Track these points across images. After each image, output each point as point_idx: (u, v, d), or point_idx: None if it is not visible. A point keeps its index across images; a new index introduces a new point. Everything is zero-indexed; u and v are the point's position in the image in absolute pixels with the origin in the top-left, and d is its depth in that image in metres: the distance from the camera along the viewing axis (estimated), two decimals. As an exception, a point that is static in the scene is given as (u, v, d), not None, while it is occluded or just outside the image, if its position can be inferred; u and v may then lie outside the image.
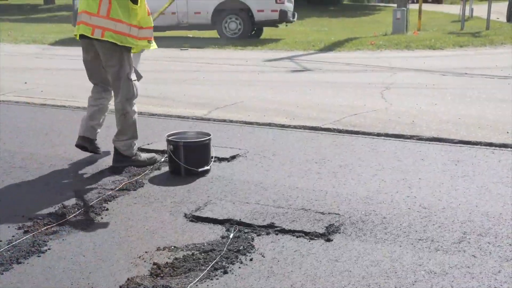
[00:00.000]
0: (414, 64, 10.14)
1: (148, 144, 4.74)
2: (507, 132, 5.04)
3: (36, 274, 2.60)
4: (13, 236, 2.99)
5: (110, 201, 3.51)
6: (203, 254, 2.76)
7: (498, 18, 23.29)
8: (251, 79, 8.59)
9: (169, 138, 4.11)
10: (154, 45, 4.27)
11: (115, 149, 4.24)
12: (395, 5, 22.80)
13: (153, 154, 4.35)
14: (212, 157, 4.17)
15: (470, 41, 13.99)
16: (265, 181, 3.84)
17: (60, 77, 8.74)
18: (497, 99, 6.64)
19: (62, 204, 3.43)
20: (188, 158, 3.98)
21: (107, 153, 4.52)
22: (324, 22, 23.40)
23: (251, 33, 15.37)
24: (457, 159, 4.32)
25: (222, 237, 2.97)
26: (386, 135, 5.02)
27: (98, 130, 4.42)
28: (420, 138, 4.90)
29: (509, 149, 4.57)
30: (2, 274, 2.60)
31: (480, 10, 26.15)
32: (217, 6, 14.68)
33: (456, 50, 12.75)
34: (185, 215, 3.27)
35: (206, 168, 4.02)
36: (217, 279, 2.54)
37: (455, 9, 29.15)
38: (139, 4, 4.05)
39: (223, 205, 3.41)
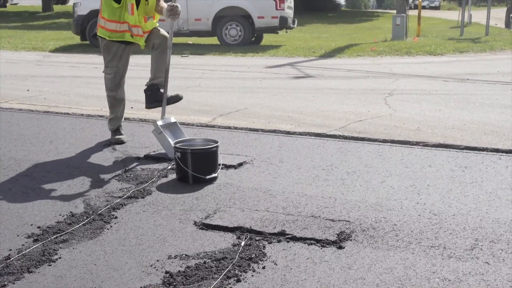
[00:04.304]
0: (416, 70, 10.16)
1: (154, 152, 4.72)
2: (513, 138, 5.04)
3: (47, 284, 2.58)
4: (22, 245, 2.97)
5: (119, 209, 3.49)
6: (215, 262, 2.75)
7: (496, 24, 23.42)
8: (253, 85, 8.59)
9: (177, 145, 4.10)
10: (135, 39, 4.74)
11: None
12: (393, 11, 22.87)
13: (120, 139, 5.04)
14: (219, 164, 4.16)
15: (470, 47, 14.05)
16: (274, 188, 3.83)
17: (62, 84, 8.72)
18: (500, 105, 6.65)
19: (71, 212, 3.42)
20: (195, 166, 3.96)
21: (112, 161, 4.51)
22: (324, 29, 23.49)
23: (252, 39, 15.40)
24: (465, 165, 4.32)
25: (233, 245, 2.95)
26: (392, 141, 5.02)
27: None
28: (426, 144, 4.89)
29: (516, 155, 4.57)
30: (14, 283, 2.58)
31: (478, 16, 26.29)
32: (217, 12, 14.70)
33: (456, 56, 12.80)
34: (195, 223, 3.26)
35: (213, 175, 4.00)
36: (231, 287, 2.53)
37: (453, 15, 29.29)
38: (121, 4, 4.63)
39: (233, 212, 3.40)
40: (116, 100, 5.02)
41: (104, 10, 4.71)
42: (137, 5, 4.69)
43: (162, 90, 4.85)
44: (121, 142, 5.03)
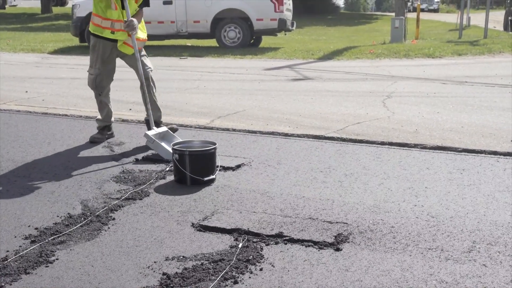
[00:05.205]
0: (414, 73, 10.17)
1: (152, 153, 4.71)
2: (511, 141, 5.04)
3: (44, 285, 2.58)
4: (20, 246, 2.96)
5: (116, 210, 3.49)
6: (212, 264, 2.75)
7: (495, 27, 23.47)
8: (252, 87, 8.59)
9: (175, 147, 4.10)
10: (115, 35, 4.87)
11: None
12: (392, 14, 22.90)
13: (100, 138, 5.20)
14: (217, 166, 4.16)
15: (469, 50, 14.07)
16: (271, 190, 3.83)
17: (60, 86, 8.72)
18: (498, 108, 6.65)
19: (68, 213, 3.42)
20: (193, 167, 3.96)
21: (110, 162, 4.51)
22: (322, 31, 23.53)
23: (250, 41, 15.40)
24: (462, 167, 4.32)
25: (231, 247, 2.95)
26: (390, 143, 5.02)
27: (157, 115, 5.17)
28: (424, 147, 4.90)
29: (514, 157, 4.57)
30: (11, 285, 2.57)
31: (476, 19, 26.32)
32: (216, 14, 14.71)
33: (455, 59, 12.81)
34: (193, 225, 3.25)
35: (211, 177, 4.00)
36: (228, 289, 2.53)
37: (451, 18, 29.35)
38: None
39: (230, 214, 3.40)
40: (101, 103, 5.19)
41: (94, 5, 4.93)
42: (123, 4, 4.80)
43: (162, 125, 5.07)
44: (92, 141, 5.15)
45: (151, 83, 5.05)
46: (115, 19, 4.84)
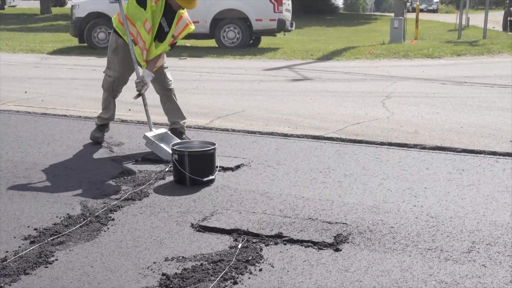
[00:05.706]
0: (413, 73, 10.18)
1: (151, 154, 4.71)
2: (510, 141, 5.05)
3: (44, 285, 2.57)
4: (19, 247, 2.96)
5: (116, 211, 3.48)
6: (212, 265, 2.74)
7: (494, 27, 23.47)
8: (251, 88, 8.60)
9: (174, 147, 4.10)
10: (137, 49, 4.75)
11: None
12: (391, 14, 22.93)
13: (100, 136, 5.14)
14: (216, 167, 4.16)
15: (468, 50, 14.08)
16: (271, 191, 3.83)
17: (59, 86, 8.71)
18: (497, 108, 6.66)
19: (68, 214, 3.41)
20: (193, 168, 3.96)
21: (109, 162, 4.51)
22: (322, 31, 23.54)
23: (249, 42, 15.40)
24: (462, 168, 4.32)
25: (230, 247, 2.95)
26: (390, 144, 5.03)
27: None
28: (423, 147, 4.90)
29: (513, 158, 4.58)
30: (10, 285, 2.57)
31: (476, 19, 26.34)
32: (215, 15, 14.71)
33: (454, 59, 12.82)
34: (192, 225, 3.25)
35: (211, 177, 4.00)
36: (227, 290, 2.53)
37: (451, 18, 29.38)
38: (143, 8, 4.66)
39: (230, 214, 3.40)
40: (109, 103, 5.09)
41: (128, 5, 4.72)
42: (161, 39, 4.76)
43: (185, 136, 5.07)
44: (95, 140, 5.09)
45: (172, 94, 5.07)
46: (143, 39, 4.68)
